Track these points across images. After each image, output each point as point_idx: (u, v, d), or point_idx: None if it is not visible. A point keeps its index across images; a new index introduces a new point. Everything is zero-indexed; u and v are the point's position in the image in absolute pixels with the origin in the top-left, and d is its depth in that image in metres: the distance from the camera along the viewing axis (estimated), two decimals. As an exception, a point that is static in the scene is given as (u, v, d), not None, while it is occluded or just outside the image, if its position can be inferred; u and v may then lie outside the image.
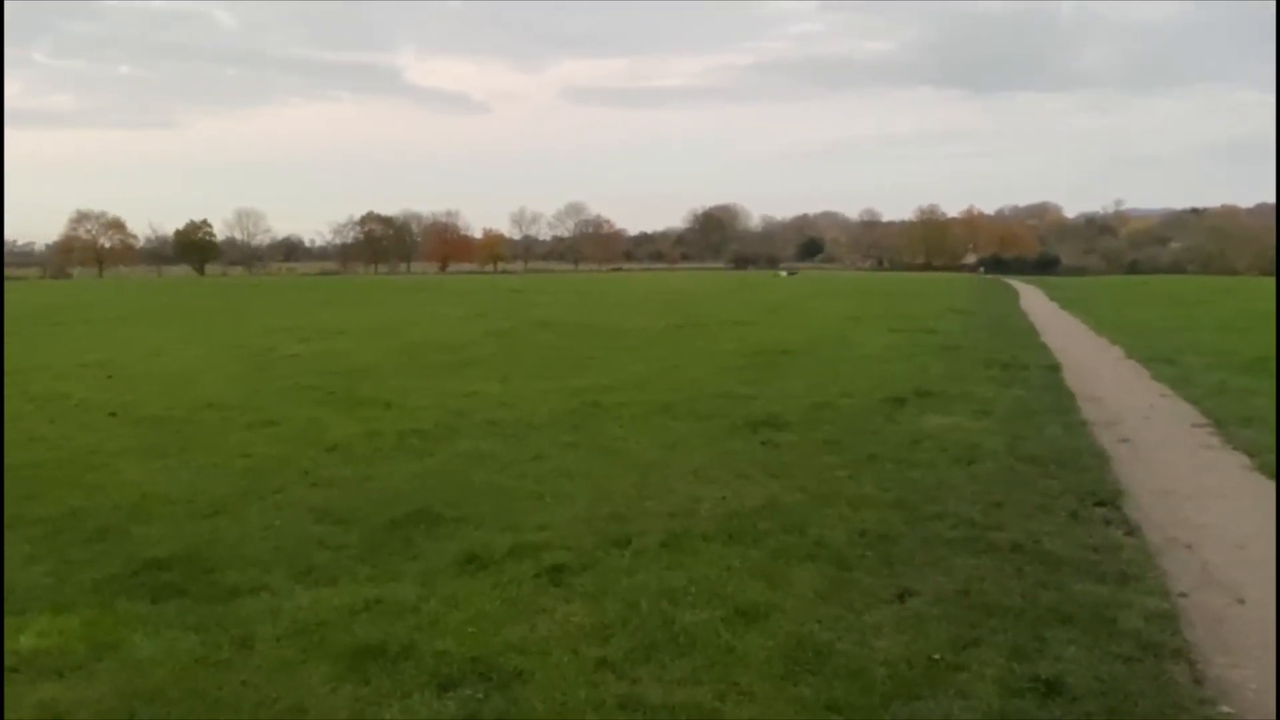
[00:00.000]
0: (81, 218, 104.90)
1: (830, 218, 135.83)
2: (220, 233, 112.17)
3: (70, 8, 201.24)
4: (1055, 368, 13.72)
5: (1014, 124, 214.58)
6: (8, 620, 4.47)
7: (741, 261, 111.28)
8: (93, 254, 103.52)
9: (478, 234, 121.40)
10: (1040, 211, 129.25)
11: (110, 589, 4.88)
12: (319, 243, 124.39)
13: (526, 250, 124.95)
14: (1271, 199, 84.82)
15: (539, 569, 5.09)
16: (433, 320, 24.53)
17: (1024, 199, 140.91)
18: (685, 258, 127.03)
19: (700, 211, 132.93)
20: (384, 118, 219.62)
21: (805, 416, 9.44)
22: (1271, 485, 6.96)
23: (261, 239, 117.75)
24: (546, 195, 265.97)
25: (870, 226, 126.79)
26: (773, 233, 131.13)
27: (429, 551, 5.44)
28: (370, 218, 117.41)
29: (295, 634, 4.31)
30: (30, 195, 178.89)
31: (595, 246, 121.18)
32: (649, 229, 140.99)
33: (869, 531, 5.76)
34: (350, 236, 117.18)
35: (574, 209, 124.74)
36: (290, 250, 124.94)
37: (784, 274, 70.52)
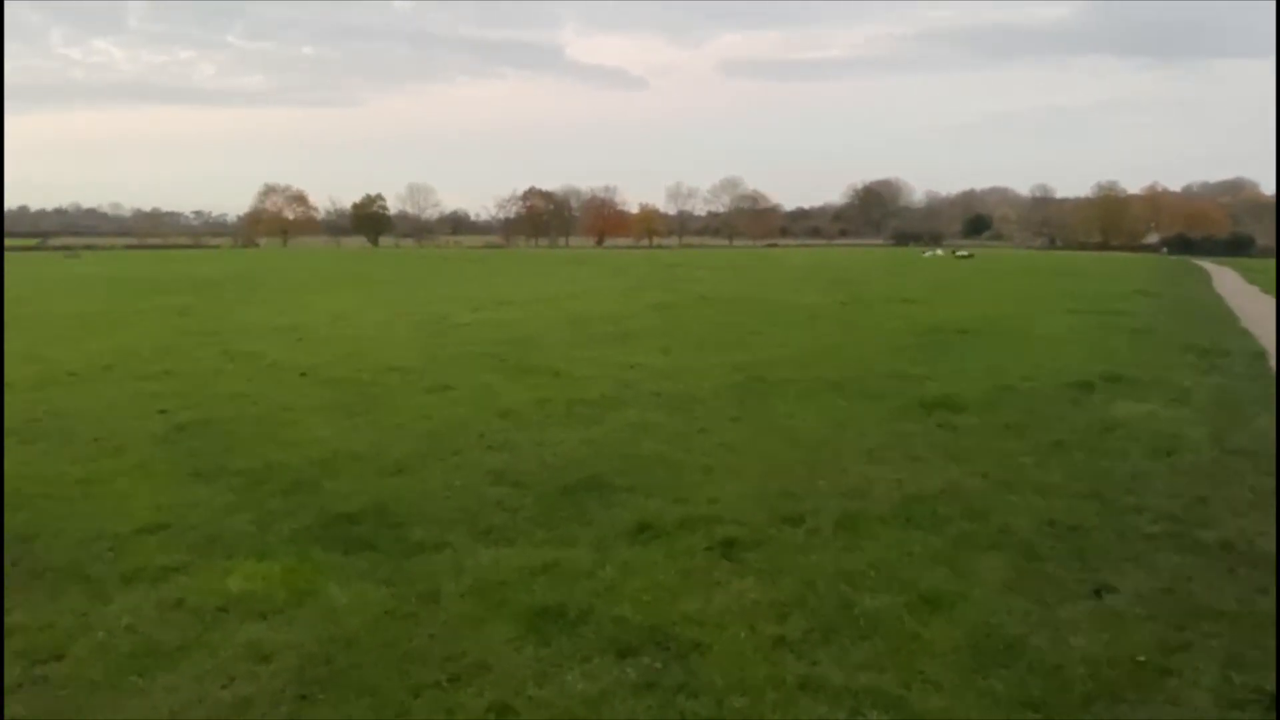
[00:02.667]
0: (269, 191, 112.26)
1: (999, 193, 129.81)
2: (393, 206, 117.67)
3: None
4: (1260, 355, 12.60)
5: (1204, 93, 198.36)
6: (218, 563, 4.79)
7: (903, 238, 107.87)
8: (278, 225, 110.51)
9: (634, 209, 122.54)
10: (1234, 188, 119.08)
11: (306, 539, 5.16)
12: (484, 217, 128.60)
13: (681, 225, 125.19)
14: None
15: (711, 542, 5.06)
16: (594, 293, 24.89)
17: (1215, 174, 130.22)
18: (844, 234, 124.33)
19: (860, 186, 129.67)
20: (545, 94, 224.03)
21: (984, 399, 9.02)
22: None
23: (431, 213, 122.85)
24: (702, 170, 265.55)
25: (1042, 203, 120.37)
26: (936, 209, 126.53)
27: (602, 518, 5.49)
28: (532, 193, 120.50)
29: (477, 591, 4.43)
30: (224, 170, 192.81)
31: (750, 222, 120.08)
32: (806, 204, 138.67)
33: (1058, 522, 5.44)
34: (513, 211, 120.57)
35: (730, 184, 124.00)
36: (457, 224, 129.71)
37: (940, 253, 64.26)
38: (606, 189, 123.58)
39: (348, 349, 12.88)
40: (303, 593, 4.40)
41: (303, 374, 10.64)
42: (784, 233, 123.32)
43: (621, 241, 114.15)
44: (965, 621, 4.11)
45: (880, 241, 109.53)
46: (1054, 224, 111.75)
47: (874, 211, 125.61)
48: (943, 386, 9.64)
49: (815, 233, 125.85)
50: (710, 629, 4.02)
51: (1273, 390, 9.72)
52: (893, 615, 4.16)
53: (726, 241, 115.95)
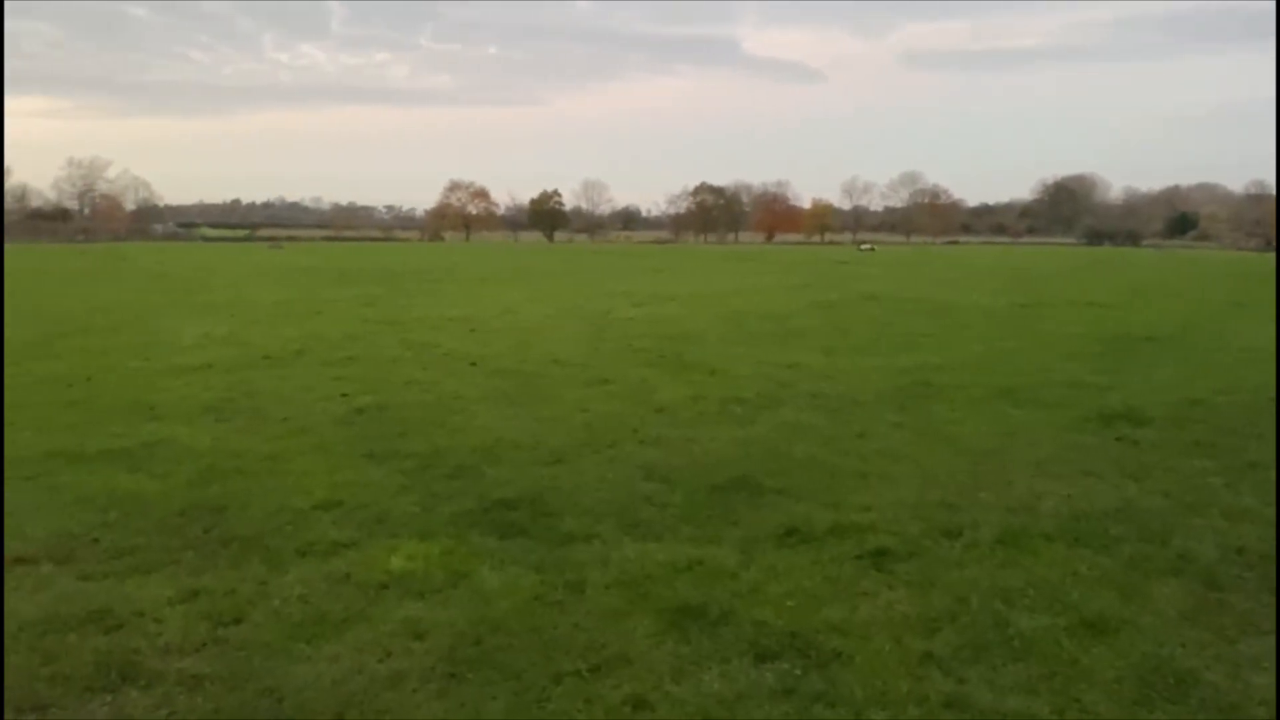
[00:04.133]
0: (453, 187, 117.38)
1: (1207, 190, 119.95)
2: (568, 202, 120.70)
3: (451, 2, 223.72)
4: None
5: None
6: (383, 541, 5.07)
7: (1096, 236, 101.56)
8: (461, 220, 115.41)
9: (806, 204, 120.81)
10: None
11: (465, 522, 5.38)
12: (654, 212, 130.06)
13: (856, 221, 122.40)
14: None
15: (861, 550, 4.94)
16: (758, 290, 24.74)
17: None
18: (1031, 231, 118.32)
19: (1051, 182, 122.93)
20: (720, 89, 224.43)
21: (1171, 413, 8.40)
22: None
23: (604, 208, 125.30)
24: (880, 164, 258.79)
25: (1258, 201, 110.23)
26: (1135, 206, 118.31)
27: (749, 520, 5.46)
28: (703, 188, 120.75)
29: (622, 584, 4.50)
30: (413, 167, 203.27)
31: (930, 218, 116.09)
32: (990, 200, 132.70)
33: (1247, 549, 5.00)
34: (683, 206, 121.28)
35: (909, 178, 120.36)
36: (628, 219, 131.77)
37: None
38: (778, 184, 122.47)
39: (515, 341, 13.34)
40: (458, 574, 4.60)
41: (472, 364, 11.10)
42: (965, 230, 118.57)
43: (792, 238, 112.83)
44: (1132, 650, 3.85)
45: (1071, 241, 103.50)
46: (1269, 223, 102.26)
47: (1065, 209, 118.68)
48: (1125, 398, 9.04)
49: (1000, 230, 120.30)
50: (854, 639, 3.94)
51: None
52: (1051, 638, 3.95)
53: (904, 238, 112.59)
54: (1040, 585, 4.50)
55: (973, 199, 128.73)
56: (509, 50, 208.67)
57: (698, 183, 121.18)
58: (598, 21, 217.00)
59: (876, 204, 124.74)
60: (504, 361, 11.31)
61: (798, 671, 3.67)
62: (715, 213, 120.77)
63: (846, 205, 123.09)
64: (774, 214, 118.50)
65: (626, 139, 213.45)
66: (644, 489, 6.05)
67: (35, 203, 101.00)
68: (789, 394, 9.28)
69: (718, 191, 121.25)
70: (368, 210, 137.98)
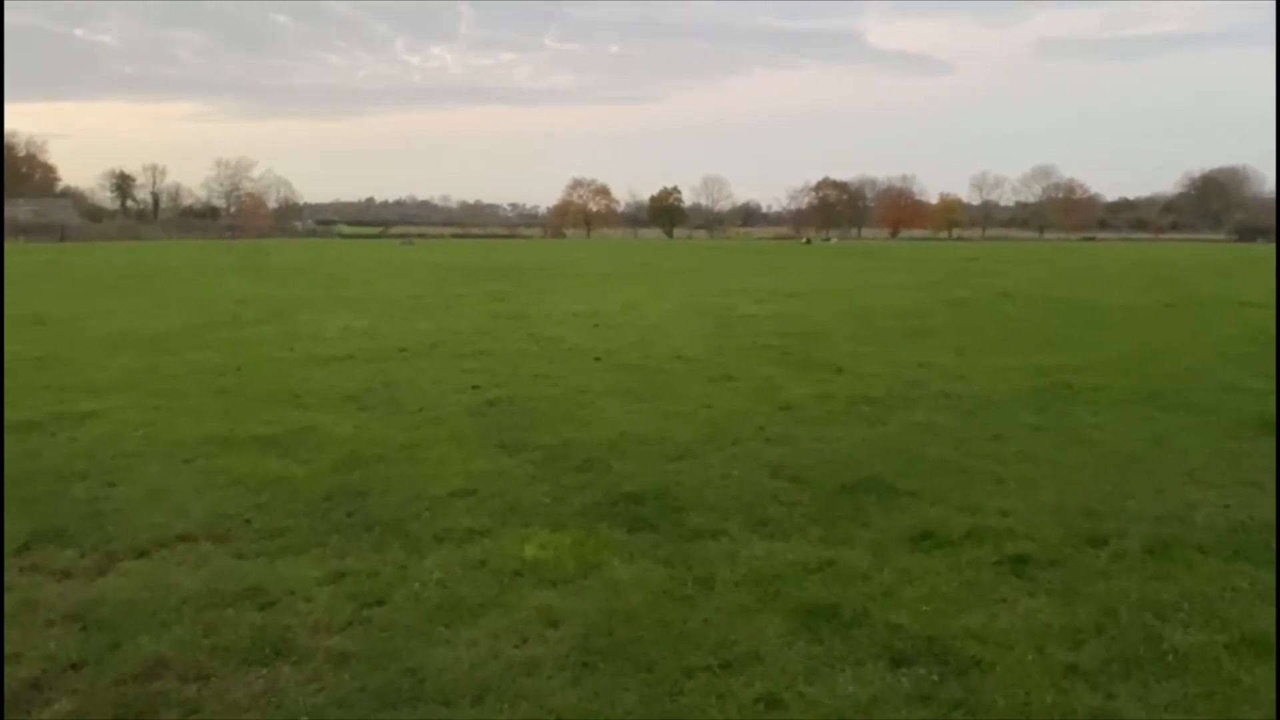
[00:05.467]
0: (575, 185, 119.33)
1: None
2: (687, 198, 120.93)
3: (576, 1, 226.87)
4: None
5: None
6: (516, 530, 5.19)
7: (1248, 232, 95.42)
8: (582, 217, 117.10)
9: (933, 199, 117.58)
10: None
11: (594, 514, 5.45)
12: (774, 208, 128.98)
13: (985, 216, 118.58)
14: None
15: (999, 556, 4.78)
16: (884, 287, 24.22)
17: None
18: (1175, 227, 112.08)
19: (1198, 175, 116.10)
20: (843, 83, 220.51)
21: (1340, 421, 7.81)
22: None
23: (723, 204, 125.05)
24: (1011, 158, 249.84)
25: None
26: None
27: (881, 521, 5.36)
28: (825, 183, 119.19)
29: (752, 582, 4.48)
30: (536, 165, 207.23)
31: (1064, 213, 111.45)
32: (1130, 194, 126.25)
33: None
34: (804, 202, 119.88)
35: (1042, 172, 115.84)
36: (748, 215, 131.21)
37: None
38: (904, 178, 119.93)
39: (638, 336, 13.44)
40: (589, 565, 4.67)
41: (597, 359, 11.24)
42: (1103, 225, 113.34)
43: (918, 233, 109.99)
44: (1301, 674, 3.60)
45: (1221, 237, 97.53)
46: None
47: (1214, 203, 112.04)
48: (1288, 404, 8.45)
49: (1140, 225, 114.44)
50: (993, 647, 3.81)
51: None
52: (1208, 655, 3.73)
53: (1036, 234, 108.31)
54: (1195, 599, 4.26)
55: (1110, 193, 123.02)
56: (630, 48, 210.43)
57: (820, 178, 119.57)
58: (719, 17, 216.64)
59: (1007, 199, 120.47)
60: (628, 357, 11.41)
61: (935, 678, 3.58)
62: (838, 208, 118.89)
63: (976, 200, 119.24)
64: (899, 209, 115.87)
65: (747, 134, 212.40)
66: (771, 487, 6.01)
67: (187, 201, 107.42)
68: (920, 394, 9.05)
69: (841, 186, 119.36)
70: (493, 208, 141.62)
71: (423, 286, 23.72)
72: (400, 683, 3.54)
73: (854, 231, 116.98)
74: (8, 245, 52.77)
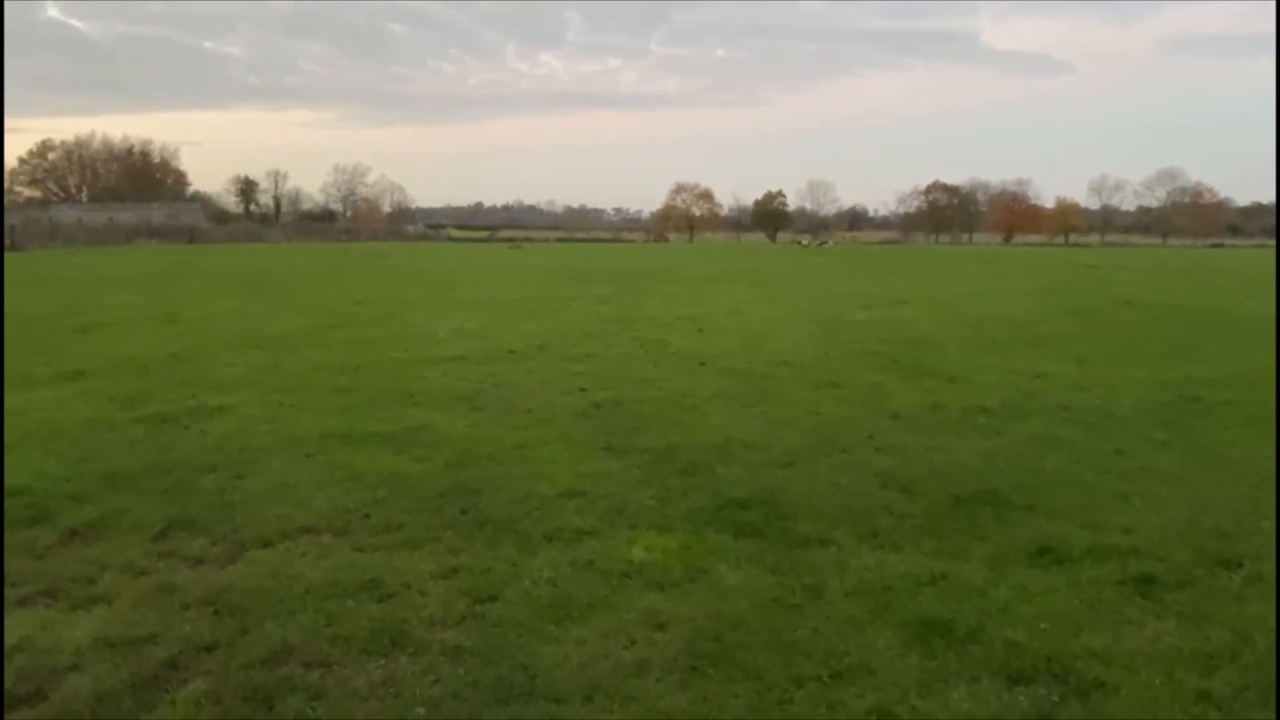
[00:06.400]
0: (679, 189, 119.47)
1: None
2: (792, 202, 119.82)
3: (679, 4, 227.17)
4: None
5: None
6: (623, 532, 5.24)
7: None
8: (685, 221, 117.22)
9: (1048, 204, 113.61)
10: None
11: (701, 519, 5.46)
12: (881, 212, 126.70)
13: (1105, 222, 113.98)
14: None
15: (1124, 576, 4.59)
16: (998, 293, 23.50)
17: None
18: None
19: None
20: (955, 84, 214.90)
21: None
22: None
23: (829, 208, 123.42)
24: (1133, 161, 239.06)
25: None
26: None
27: (997, 535, 5.20)
28: (935, 187, 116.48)
29: (862, 592, 4.41)
30: (641, 170, 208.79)
31: (1191, 218, 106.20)
32: (1264, 198, 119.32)
33: None
34: (913, 206, 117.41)
35: (1167, 175, 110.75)
36: (854, 219, 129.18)
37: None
38: (1019, 182, 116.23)
39: (743, 341, 13.38)
40: (696, 570, 4.67)
41: (702, 363, 11.23)
42: (1233, 231, 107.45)
43: (1033, 239, 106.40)
44: None
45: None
46: None
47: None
48: None
49: (1276, 232, 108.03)
50: (1118, 669, 3.66)
51: None
52: (1357, 690, 3.50)
53: (1159, 240, 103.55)
54: (1343, 630, 4.00)
55: (1242, 197, 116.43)
56: (736, 51, 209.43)
57: (929, 181, 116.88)
58: (827, 18, 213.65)
59: (1128, 203, 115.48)
60: (733, 361, 11.37)
61: (1055, 698, 3.47)
62: (949, 212, 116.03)
63: (1094, 205, 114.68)
64: (1013, 214, 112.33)
65: (854, 137, 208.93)
66: (881, 497, 5.91)
67: (306, 205, 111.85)
68: (1037, 405, 8.75)
69: (952, 190, 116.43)
70: (597, 212, 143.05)
71: (529, 289, 24.12)
72: (512, 678, 3.61)
73: (965, 236, 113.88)
74: (143, 246, 55.93)
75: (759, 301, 20.51)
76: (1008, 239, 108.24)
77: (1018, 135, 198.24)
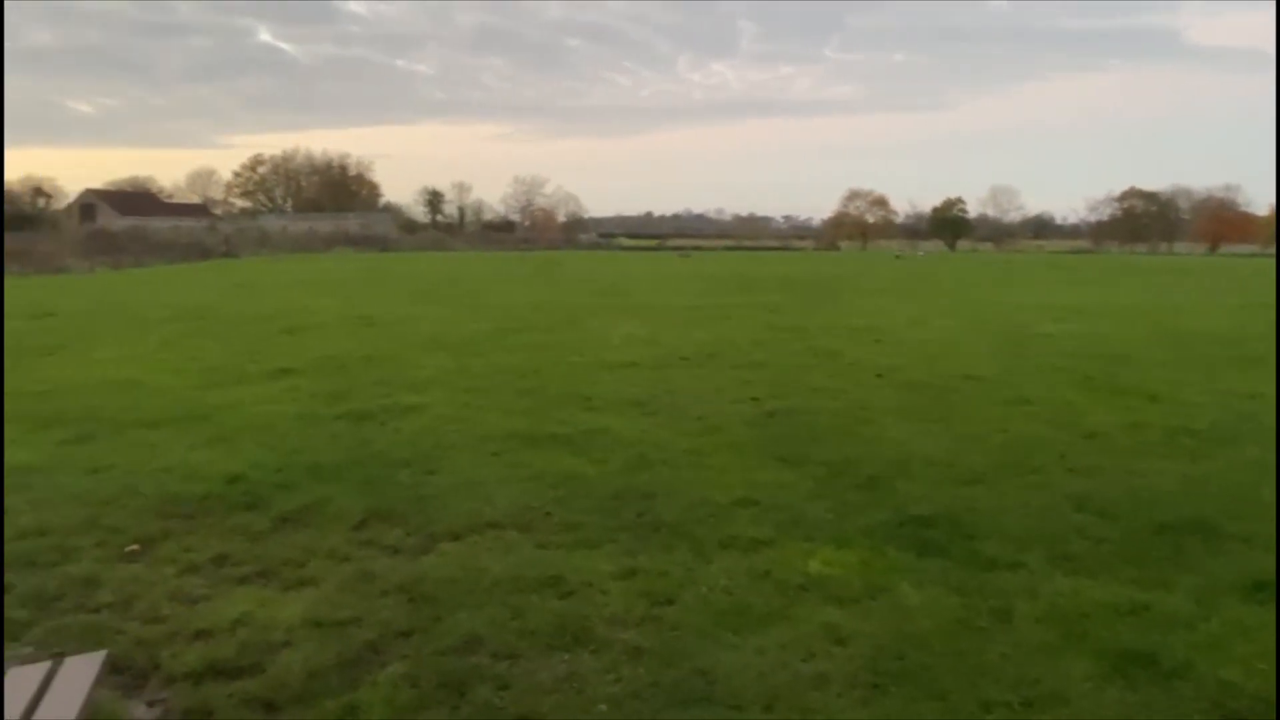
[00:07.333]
0: (852, 195, 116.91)
1: None
2: (973, 209, 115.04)
3: (854, 7, 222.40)
4: None
5: None
6: (799, 544, 5.19)
7: None
8: (858, 229, 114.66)
9: (1261, 211, 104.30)
10: None
11: (880, 535, 5.33)
12: (1071, 220, 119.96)
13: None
14: None
15: (1357, 618, 4.17)
16: (1204, 307, 21.80)
17: None
18: None
19: None
20: (1155, 84, 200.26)
21: None
22: None
23: (1013, 216, 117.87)
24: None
25: None
26: None
27: (1206, 566, 4.83)
28: (1131, 193, 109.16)
29: (1054, 619, 4.20)
30: (812, 177, 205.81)
31: None
32: None
33: None
34: (1106, 213, 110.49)
35: None
36: (1040, 227, 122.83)
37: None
38: (1226, 188, 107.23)
39: (923, 353, 12.98)
40: (876, 586, 4.57)
41: (879, 375, 10.97)
42: None
43: (1242, 249, 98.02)
44: None
45: None
46: None
47: None
48: None
49: None
50: (1353, 722, 3.33)
51: None
52: None
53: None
54: None
55: None
56: (917, 55, 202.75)
57: (1125, 187, 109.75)
58: (1017, 19, 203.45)
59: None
60: (912, 374, 11.05)
61: (1278, 748, 3.19)
62: (1145, 220, 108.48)
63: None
64: (1220, 221, 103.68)
65: (1042, 142, 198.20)
66: (1075, 520, 5.60)
67: (487, 215, 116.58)
68: (1251, 428, 8.06)
69: (1150, 197, 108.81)
70: (766, 220, 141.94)
71: (699, 297, 24.24)
72: (692, 682, 3.65)
73: (1164, 246, 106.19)
74: (341, 253, 59.82)
75: (939, 313, 19.83)
76: (1213, 249, 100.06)
77: (1225, 138, 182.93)
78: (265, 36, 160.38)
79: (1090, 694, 3.54)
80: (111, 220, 68.76)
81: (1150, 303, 22.85)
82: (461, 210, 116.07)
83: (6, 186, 70.42)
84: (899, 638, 4.01)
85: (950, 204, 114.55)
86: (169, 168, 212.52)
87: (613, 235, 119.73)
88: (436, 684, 3.65)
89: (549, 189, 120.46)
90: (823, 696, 3.53)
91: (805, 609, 4.32)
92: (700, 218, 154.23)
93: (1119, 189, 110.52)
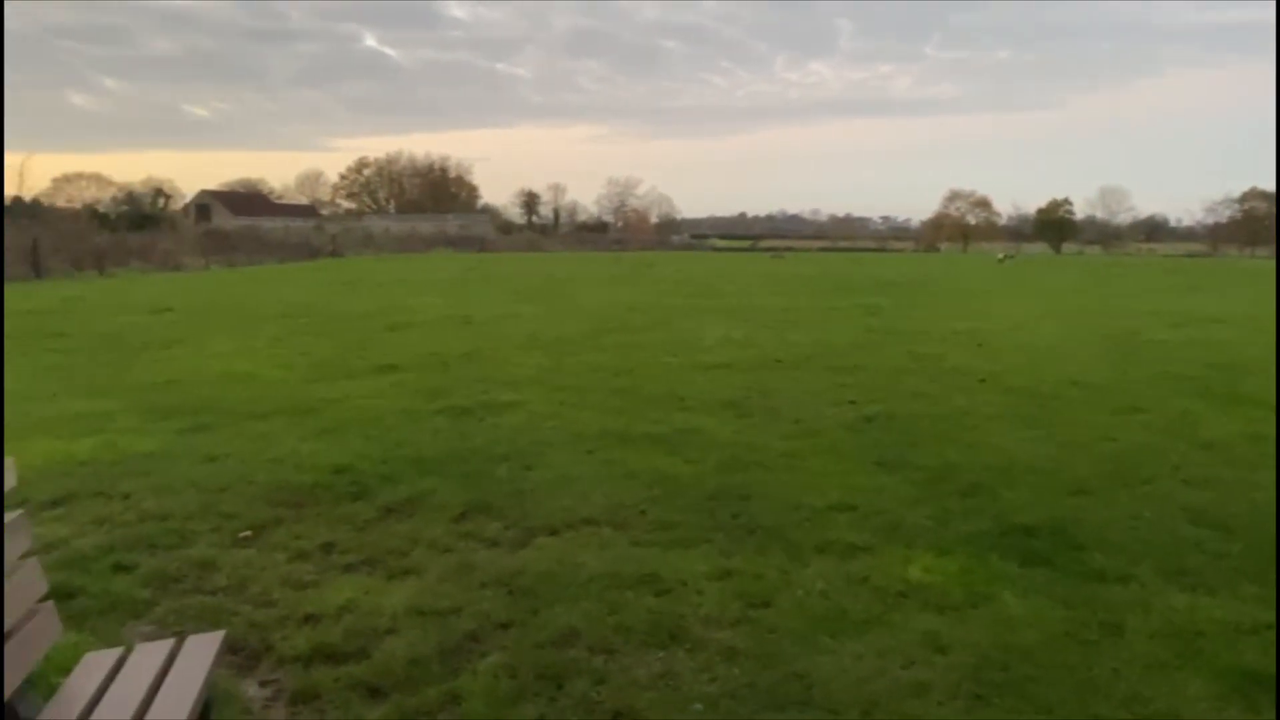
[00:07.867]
0: (953, 196, 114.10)
1: None
2: (1080, 211, 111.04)
3: (956, 5, 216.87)
4: None
5: None
6: (899, 550, 5.10)
7: None
8: (959, 230, 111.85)
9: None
10: None
11: (982, 543, 5.20)
12: (1185, 222, 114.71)
13: None
14: None
15: None
16: (1333, 314, 20.57)
17: None
18: None
19: None
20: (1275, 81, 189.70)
21: None
22: None
23: (1123, 217, 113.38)
24: None
25: None
26: None
27: (1337, 587, 4.57)
28: (1253, 194, 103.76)
29: (1168, 635, 4.04)
30: (912, 177, 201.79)
31: None
32: None
33: None
34: (1224, 215, 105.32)
35: None
36: (1152, 229, 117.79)
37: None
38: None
39: (1027, 359, 12.60)
40: (978, 595, 4.47)
41: (981, 380, 10.70)
42: None
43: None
44: None
45: None
46: None
47: None
48: None
49: None
50: None
51: None
52: None
53: None
54: None
55: None
56: (1022, 53, 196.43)
57: (1246, 188, 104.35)
58: (1129, 14, 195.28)
59: None
60: (1016, 380, 10.74)
61: None
62: (1268, 223, 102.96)
63: None
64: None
65: (1155, 142, 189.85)
66: (1190, 534, 5.37)
67: (581, 217, 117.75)
68: (1386, 442, 7.59)
69: (1273, 198, 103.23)
70: (863, 221, 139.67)
71: (795, 298, 24.02)
72: (788, 685, 3.62)
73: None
74: (441, 253, 61.26)
75: (1044, 317, 19.22)
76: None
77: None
78: (370, 42, 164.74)
79: (1208, 715, 3.40)
80: (225, 220, 71.96)
81: (1272, 311, 21.68)
82: (556, 211, 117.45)
83: (131, 188, 74.19)
84: (1002, 648, 3.90)
85: (1056, 205, 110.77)
86: (279, 169, 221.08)
87: (705, 236, 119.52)
88: (534, 675, 3.71)
89: (642, 190, 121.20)
90: (923, 705, 3.46)
91: (904, 616, 4.24)
92: (795, 219, 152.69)
93: (1238, 190, 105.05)
